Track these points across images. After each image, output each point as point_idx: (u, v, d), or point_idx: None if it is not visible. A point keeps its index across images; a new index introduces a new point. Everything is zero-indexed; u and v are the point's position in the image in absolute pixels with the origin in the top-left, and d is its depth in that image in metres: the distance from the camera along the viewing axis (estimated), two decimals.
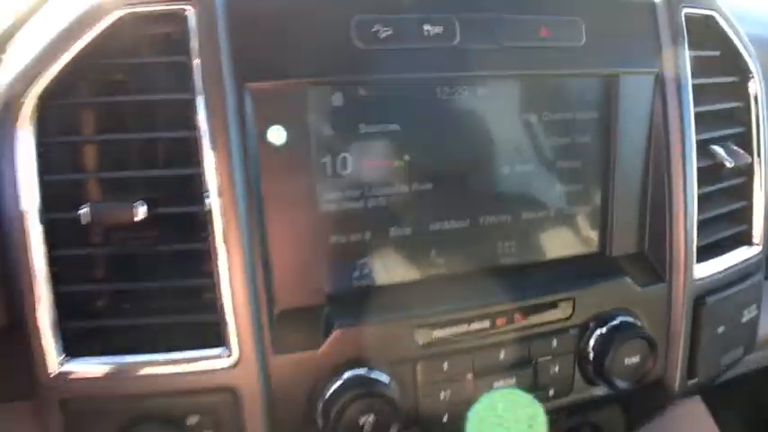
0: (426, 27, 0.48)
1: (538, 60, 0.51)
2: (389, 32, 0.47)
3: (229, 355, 0.44)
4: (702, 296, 0.58)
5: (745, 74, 0.61)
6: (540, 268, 0.55)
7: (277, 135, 0.45)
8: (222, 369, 0.44)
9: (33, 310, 0.42)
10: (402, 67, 0.47)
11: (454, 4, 0.49)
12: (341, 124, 0.47)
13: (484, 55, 0.49)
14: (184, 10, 0.42)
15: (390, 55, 0.47)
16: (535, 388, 0.53)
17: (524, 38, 0.50)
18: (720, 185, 0.60)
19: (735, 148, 0.61)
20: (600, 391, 0.56)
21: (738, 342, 0.63)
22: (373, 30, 0.46)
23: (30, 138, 0.41)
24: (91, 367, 0.43)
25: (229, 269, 0.43)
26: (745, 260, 0.62)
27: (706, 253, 0.59)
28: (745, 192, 0.63)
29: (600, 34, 0.52)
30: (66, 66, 0.41)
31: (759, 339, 0.70)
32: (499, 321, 0.51)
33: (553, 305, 0.53)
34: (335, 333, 0.47)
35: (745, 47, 0.61)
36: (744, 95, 0.62)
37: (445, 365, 0.50)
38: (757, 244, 0.63)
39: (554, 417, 0.60)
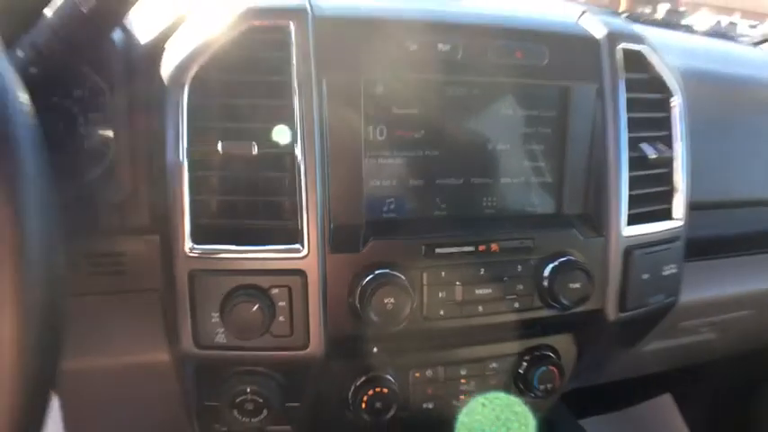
0: (439, 45, 0.72)
1: (514, 73, 0.74)
2: (415, 47, 0.71)
3: (302, 250, 0.66)
4: (631, 249, 0.80)
5: (668, 92, 0.85)
6: (512, 219, 0.78)
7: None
8: (297, 258, 0.66)
9: (181, 210, 0.65)
10: (422, 70, 0.71)
11: (459, 32, 0.73)
12: (380, 106, 0.71)
13: (477, 66, 0.73)
14: (288, 24, 0.66)
15: (414, 62, 0.71)
16: (504, 298, 0.75)
17: (505, 57, 0.74)
18: (647, 172, 0.83)
19: (660, 145, 0.84)
20: (554, 312, 0.78)
21: (661, 289, 0.85)
22: (405, 44, 0.71)
23: (186, 97, 0.65)
24: (211, 250, 0.66)
25: (306, 193, 0.66)
26: (667, 230, 0.84)
27: (638, 221, 0.81)
28: (668, 179, 0.85)
29: (559, 57, 0.76)
30: (212, 54, 0.65)
31: (681, 307, 0.92)
32: (480, 248, 0.73)
33: (519, 242, 0.75)
34: (370, 244, 0.69)
35: (670, 71, 0.84)
36: (668, 108, 0.85)
37: (443, 274, 0.72)
38: (677, 219, 0.85)
39: (521, 333, 0.82)
